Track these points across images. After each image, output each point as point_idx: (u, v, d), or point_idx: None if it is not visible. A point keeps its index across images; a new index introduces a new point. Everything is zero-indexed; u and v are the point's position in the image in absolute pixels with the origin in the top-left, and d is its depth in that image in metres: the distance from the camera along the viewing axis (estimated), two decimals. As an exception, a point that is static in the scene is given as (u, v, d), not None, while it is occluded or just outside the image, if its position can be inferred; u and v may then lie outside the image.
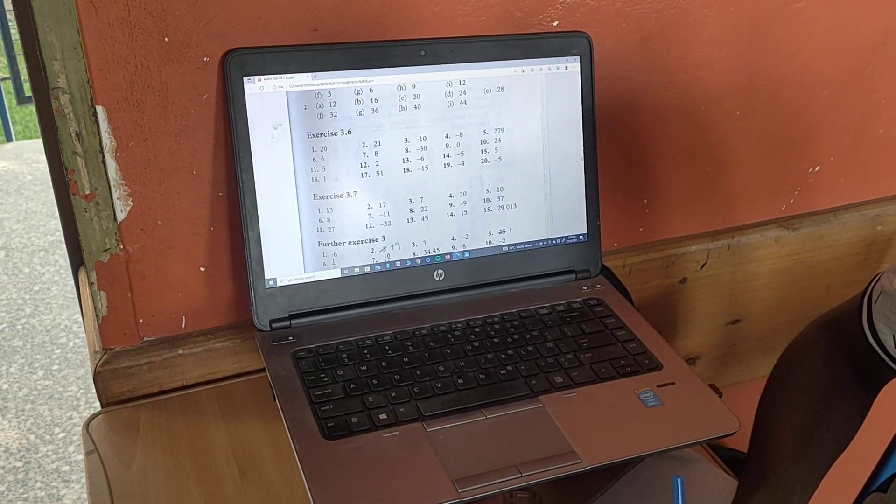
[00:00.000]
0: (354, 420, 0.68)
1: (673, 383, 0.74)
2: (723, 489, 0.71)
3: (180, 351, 0.82)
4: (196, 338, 0.83)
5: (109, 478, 0.73)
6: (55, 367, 2.40)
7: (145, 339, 0.82)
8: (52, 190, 0.89)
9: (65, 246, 0.94)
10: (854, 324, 0.74)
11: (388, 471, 0.63)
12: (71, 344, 2.52)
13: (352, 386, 0.71)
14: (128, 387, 0.82)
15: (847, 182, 1.10)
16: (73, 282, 2.76)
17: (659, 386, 0.74)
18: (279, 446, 0.76)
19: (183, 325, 0.83)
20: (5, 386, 2.31)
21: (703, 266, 1.04)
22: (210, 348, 0.83)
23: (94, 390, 0.82)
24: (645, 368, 0.76)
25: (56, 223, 3.18)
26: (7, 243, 3.12)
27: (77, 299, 0.95)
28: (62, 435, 2.13)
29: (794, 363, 0.77)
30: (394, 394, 0.71)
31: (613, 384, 0.74)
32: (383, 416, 0.68)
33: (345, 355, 0.75)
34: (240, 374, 0.86)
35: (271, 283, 0.77)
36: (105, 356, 0.80)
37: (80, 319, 2.68)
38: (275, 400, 0.71)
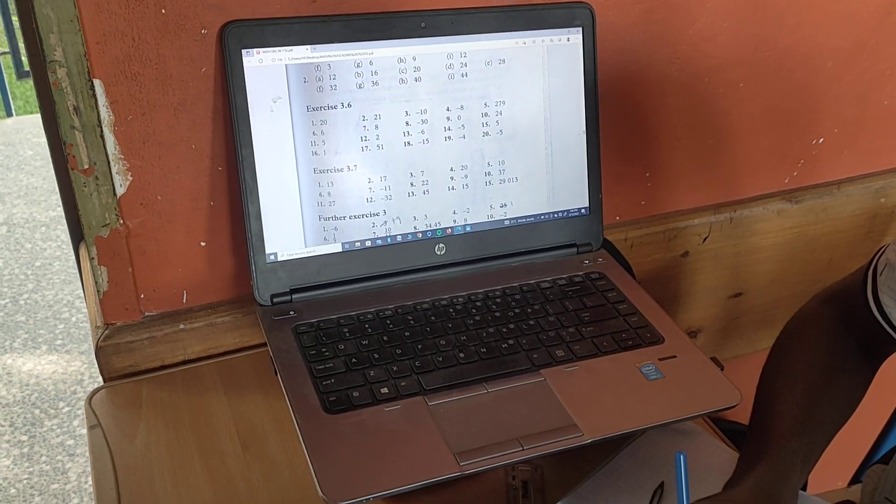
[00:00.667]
0: (356, 394, 0.68)
1: (674, 357, 0.74)
2: (723, 461, 0.71)
3: (181, 326, 0.82)
4: (197, 312, 0.83)
5: (113, 452, 0.73)
6: (59, 342, 2.41)
7: (146, 313, 0.82)
8: (52, 165, 0.88)
9: (66, 221, 0.94)
10: (858, 297, 0.74)
11: (389, 444, 0.64)
12: (74, 319, 2.52)
13: (353, 360, 0.71)
14: (130, 361, 0.82)
15: (851, 154, 1.09)
16: (74, 257, 2.76)
17: (660, 359, 0.74)
18: (281, 420, 0.77)
19: (184, 300, 0.83)
20: (9, 361, 2.32)
21: (705, 239, 1.04)
22: (211, 323, 0.83)
23: (97, 365, 0.82)
24: (646, 342, 0.75)
25: (57, 199, 3.16)
26: (8, 219, 3.11)
27: (78, 275, 0.94)
28: (67, 409, 2.14)
29: (797, 336, 0.77)
30: (395, 368, 0.71)
31: (615, 357, 0.74)
32: (385, 390, 0.68)
33: (346, 330, 0.75)
34: (241, 348, 0.86)
35: (272, 257, 0.76)
36: (106, 331, 0.80)
37: (83, 295, 2.68)
38: (276, 374, 0.71)
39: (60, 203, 0.95)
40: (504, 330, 0.76)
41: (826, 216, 1.09)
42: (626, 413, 0.68)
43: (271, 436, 0.76)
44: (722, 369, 0.73)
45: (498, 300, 0.80)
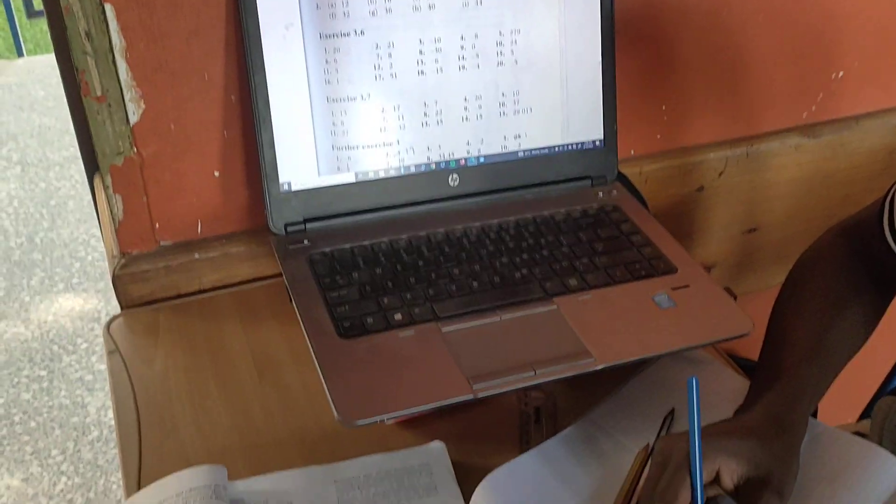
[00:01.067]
0: (370, 320, 0.68)
1: (687, 286, 0.74)
2: (735, 389, 0.72)
3: (196, 255, 0.83)
4: (212, 242, 0.84)
5: (132, 376, 0.75)
6: (75, 280, 2.44)
7: (162, 243, 0.83)
8: (65, 105, 0.88)
9: (80, 161, 0.94)
10: (874, 229, 0.74)
11: (403, 368, 0.64)
12: (90, 258, 2.55)
13: (367, 288, 0.72)
14: (146, 290, 0.82)
15: (871, 89, 1.07)
16: (89, 197, 2.76)
17: (673, 289, 0.74)
18: (296, 349, 0.78)
19: (198, 231, 0.84)
20: (27, 298, 2.35)
21: (720, 174, 1.03)
22: (226, 253, 0.84)
23: (114, 302, 0.83)
24: (659, 272, 0.76)
25: (70, 138, 3.17)
26: (22, 158, 3.12)
27: (94, 208, 0.95)
28: (84, 345, 2.17)
29: (810, 268, 0.77)
30: (409, 295, 0.71)
31: (628, 287, 0.74)
32: (398, 316, 0.69)
33: (360, 259, 0.75)
34: (256, 278, 0.86)
35: (285, 186, 0.77)
36: (123, 260, 0.81)
37: (98, 234, 2.70)
38: (291, 302, 0.72)
39: (74, 143, 0.95)
40: (517, 260, 0.76)
41: (843, 151, 1.08)
42: (637, 340, 0.68)
43: (286, 364, 0.77)
44: (735, 299, 0.73)
45: (511, 231, 0.80)
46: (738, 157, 1.02)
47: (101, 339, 2.20)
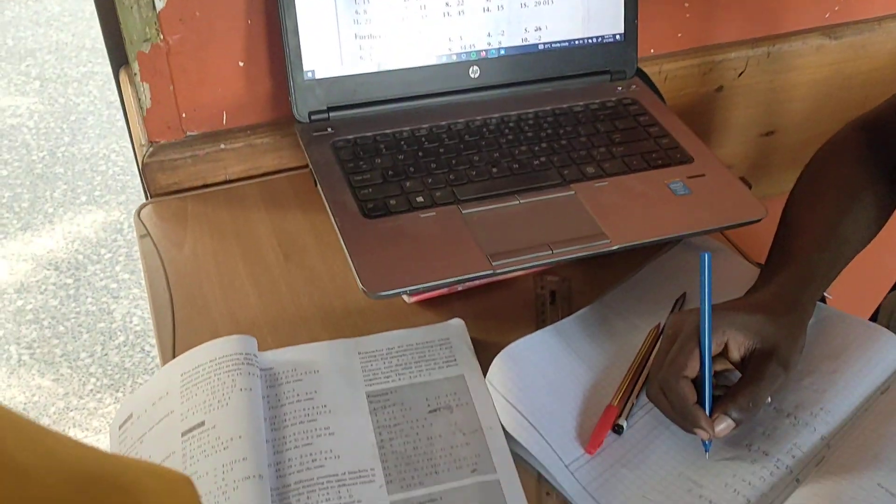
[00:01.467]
0: (392, 202, 0.71)
1: (703, 175, 0.75)
2: (745, 276, 0.74)
3: (222, 145, 0.85)
4: (237, 133, 0.86)
5: (163, 258, 0.78)
6: (97, 193, 2.47)
7: (188, 133, 0.85)
8: (81, 20, 0.88)
9: (98, 77, 0.95)
10: (892, 122, 0.74)
11: (424, 246, 0.67)
12: (111, 172, 2.57)
13: (389, 172, 0.74)
14: (174, 179, 0.85)
15: (896, -11, 1.06)
16: (108, 112, 2.74)
17: (689, 177, 0.75)
18: (321, 235, 0.80)
19: (224, 121, 0.85)
20: (50, 210, 2.39)
21: (740, 74, 1.03)
22: (251, 144, 0.86)
23: (142, 182, 0.85)
24: (676, 161, 0.77)
25: (87, 54, 3.17)
26: (41, 73, 3.13)
27: (121, 108, 0.96)
28: (108, 255, 2.22)
29: (828, 159, 0.78)
30: (430, 180, 0.73)
31: (644, 175, 0.75)
32: (420, 199, 0.71)
33: (382, 146, 0.77)
34: (280, 170, 0.88)
35: (309, 74, 0.78)
36: (151, 149, 0.83)
37: (118, 148, 2.73)
38: (316, 186, 0.74)
39: (91, 59, 0.96)
40: (536, 149, 0.78)
41: (864, 53, 1.07)
42: (652, 224, 0.70)
43: (311, 248, 0.79)
44: (750, 187, 0.75)
45: (531, 122, 0.81)
46: (759, 56, 1.02)
47: (124, 250, 2.25)
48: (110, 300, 2.07)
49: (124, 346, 1.94)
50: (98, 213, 2.38)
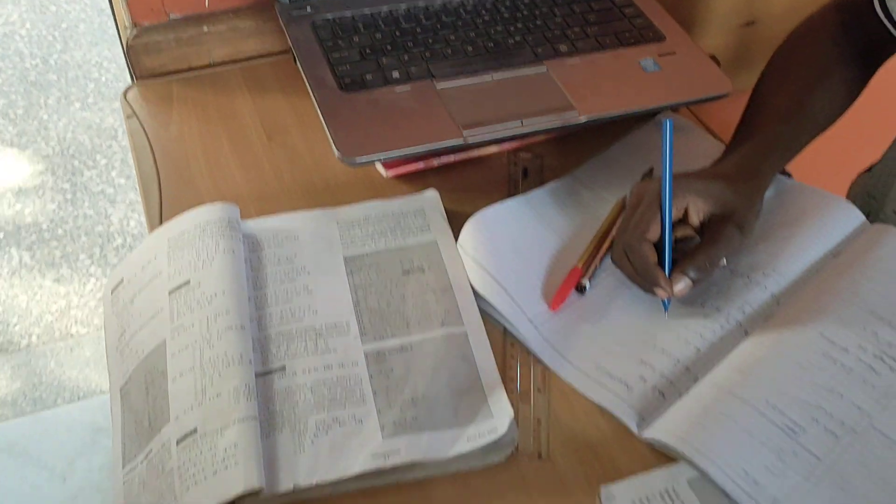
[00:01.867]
0: (369, 77, 0.73)
1: (674, 53, 0.77)
2: (714, 152, 0.76)
3: (205, 28, 0.86)
4: (220, 16, 0.87)
5: (150, 137, 0.80)
6: (90, 99, 2.47)
7: (171, 15, 0.86)
8: None
9: None
10: (868, 2, 0.75)
11: (399, 117, 0.69)
12: (104, 79, 2.57)
13: (367, 50, 0.76)
14: (158, 62, 0.87)
15: None
16: (99, 20, 2.70)
17: (660, 55, 0.77)
18: (301, 115, 0.82)
19: (206, 4, 0.86)
20: (45, 116, 2.39)
21: (722, -39, 1.03)
22: (234, 27, 0.87)
23: (127, 64, 0.87)
24: (648, 40, 0.79)
25: (77, -40, 3.12)
26: (30, -20, 3.08)
27: (109, 8, 0.96)
28: (104, 161, 2.24)
29: (801, 37, 0.79)
30: (406, 57, 0.75)
31: (616, 52, 0.77)
32: (396, 74, 0.73)
33: (360, 24, 0.79)
34: (263, 54, 0.90)
35: (288, -47, 0.79)
36: (135, 31, 0.85)
37: (110, 55, 2.72)
38: (295, 62, 0.76)
39: None
40: (511, 29, 0.79)
41: (848, -59, 1.07)
42: (621, 98, 0.72)
43: (293, 128, 0.81)
44: (719, 65, 0.76)
45: (507, 3, 0.82)
46: (741, -57, 1.02)
47: (119, 156, 2.27)
48: (107, 204, 2.10)
49: (122, 247, 1.98)
50: (92, 119, 2.39)
